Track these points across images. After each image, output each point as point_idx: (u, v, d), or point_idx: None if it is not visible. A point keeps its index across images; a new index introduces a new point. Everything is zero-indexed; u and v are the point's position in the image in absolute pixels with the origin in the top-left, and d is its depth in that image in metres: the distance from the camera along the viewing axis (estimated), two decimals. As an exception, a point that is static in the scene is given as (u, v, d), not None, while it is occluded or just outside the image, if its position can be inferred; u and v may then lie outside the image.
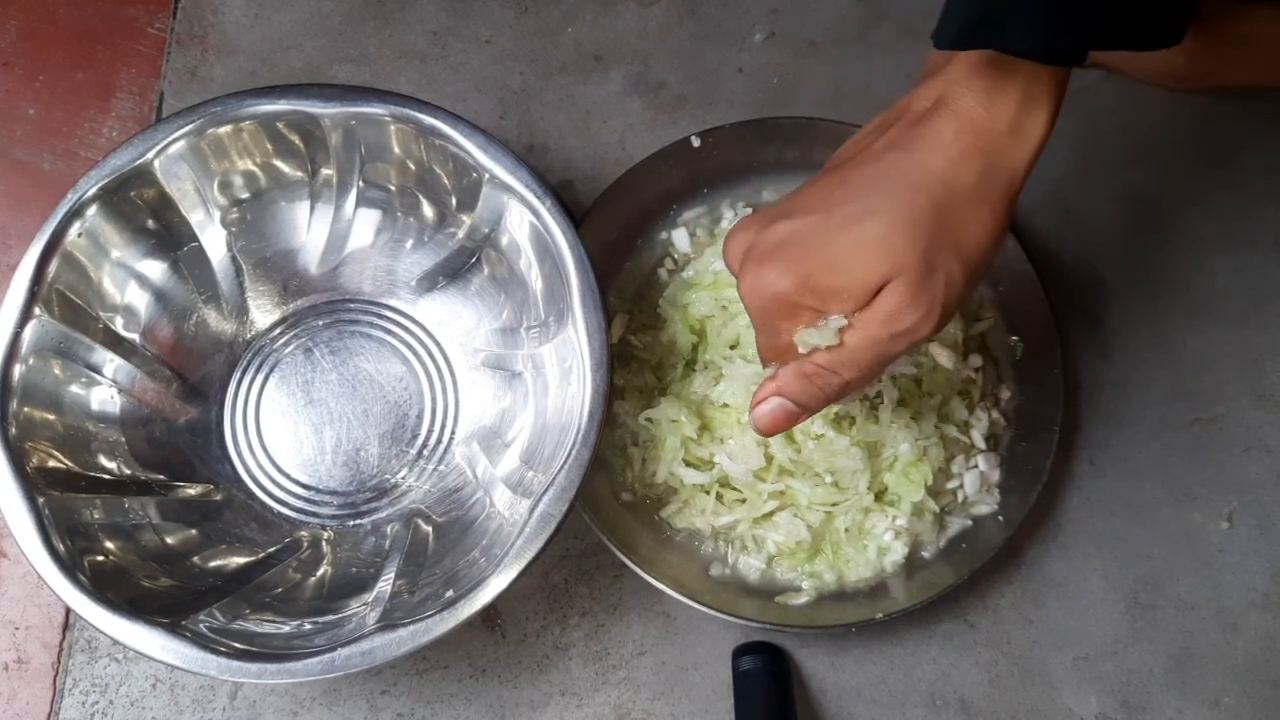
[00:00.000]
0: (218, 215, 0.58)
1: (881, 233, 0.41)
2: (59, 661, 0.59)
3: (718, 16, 0.71)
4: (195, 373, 0.60)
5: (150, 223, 0.57)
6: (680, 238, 0.64)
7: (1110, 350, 0.65)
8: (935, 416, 0.59)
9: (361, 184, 0.59)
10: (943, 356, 0.59)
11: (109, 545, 0.52)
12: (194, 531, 0.56)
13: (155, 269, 0.58)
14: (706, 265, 0.62)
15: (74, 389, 0.55)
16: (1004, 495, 0.60)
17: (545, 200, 0.53)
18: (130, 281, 0.57)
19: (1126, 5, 0.41)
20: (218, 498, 0.58)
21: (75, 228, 0.53)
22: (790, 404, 0.45)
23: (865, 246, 0.41)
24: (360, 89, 0.55)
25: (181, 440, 0.59)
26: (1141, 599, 0.61)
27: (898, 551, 0.58)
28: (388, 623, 0.48)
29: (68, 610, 0.60)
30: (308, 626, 0.51)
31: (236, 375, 0.61)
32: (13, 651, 0.59)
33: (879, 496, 0.58)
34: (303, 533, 0.58)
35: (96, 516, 0.52)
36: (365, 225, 0.60)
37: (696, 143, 0.63)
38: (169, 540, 0.55)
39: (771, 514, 0.58)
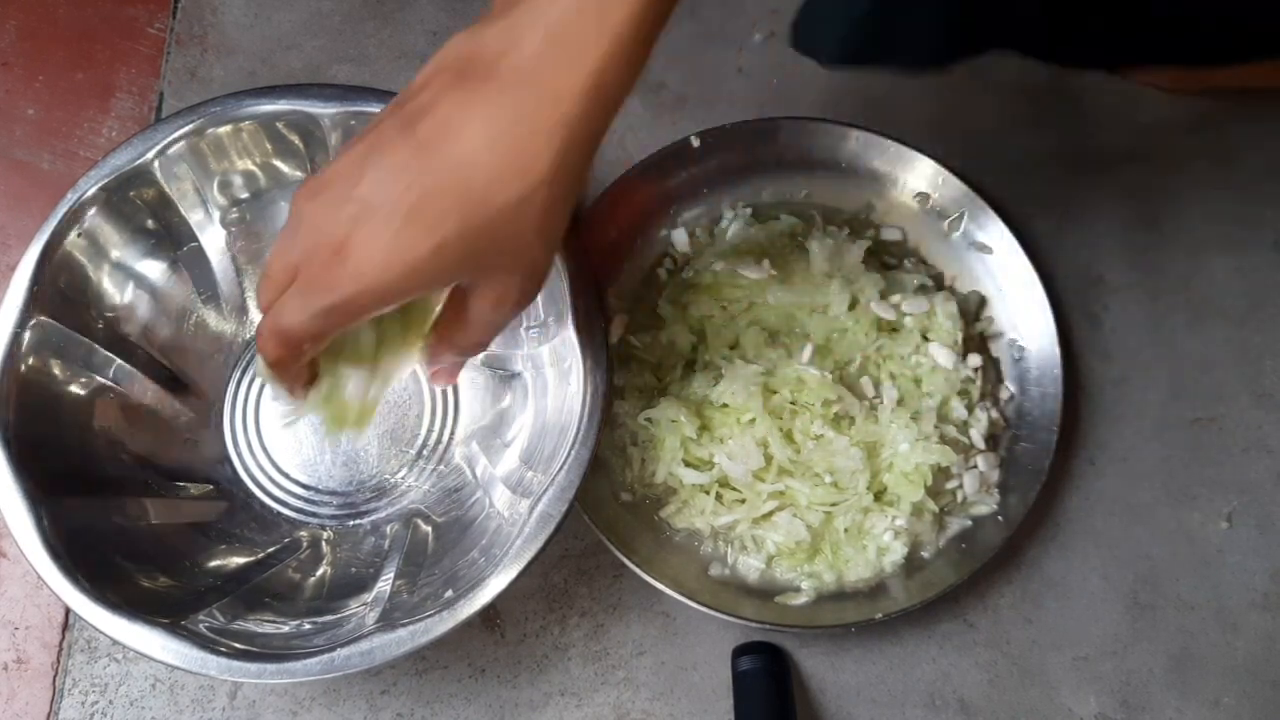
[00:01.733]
0: (217, 215, 0.58)
1: None
2: (58, 661, 0.59)
3: (717, 17, 0.71)
4: (195, 373, 0.60)
5: (150, 223, 0.57)
6: (680, 238, 0.64)
7: (1110, 350, 0.65)
8: (935, 416, 0.59)
9: (361, 184, 0.59)
10: (942, 356, 0.59)
11: (109, 545, 0.52)
12: (193, 531, 0.56)
13: (155, 269, 0.58)
14: (706, 265, 0.62)
15: (74, 389, 0.55)
16: (1004, 495, 0.60)
17: (545, 200, 0.53)
18: (130, 281, 0.57)
19: None
20: (217, 498, 0.58)
21: (75, 228, 0.53)
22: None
23: None
24: (360, 89, 0.55)
25: (181, 440, 0.59)
26: (1141, 599, 0.61)
27: (897, 551, 0.58)
28: (387, 623, 0.48)
29: (67, 610, 0.60)
30: (307, 626, 0.51)
31: (236, 375, 0.61)
32: (12, 651, 0.59)
33: (878, 497, 0.58)
34: (302, 533, 0.58)
35: (96, 517, 0.52)
36: (365, 225, 0.60)
37: (696, 143, 0.63)
38: (168, 540, 0.55)
39: (771, 514, 0.58)
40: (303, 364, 0.43)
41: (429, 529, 0.57)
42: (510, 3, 0.39)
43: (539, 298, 0.56)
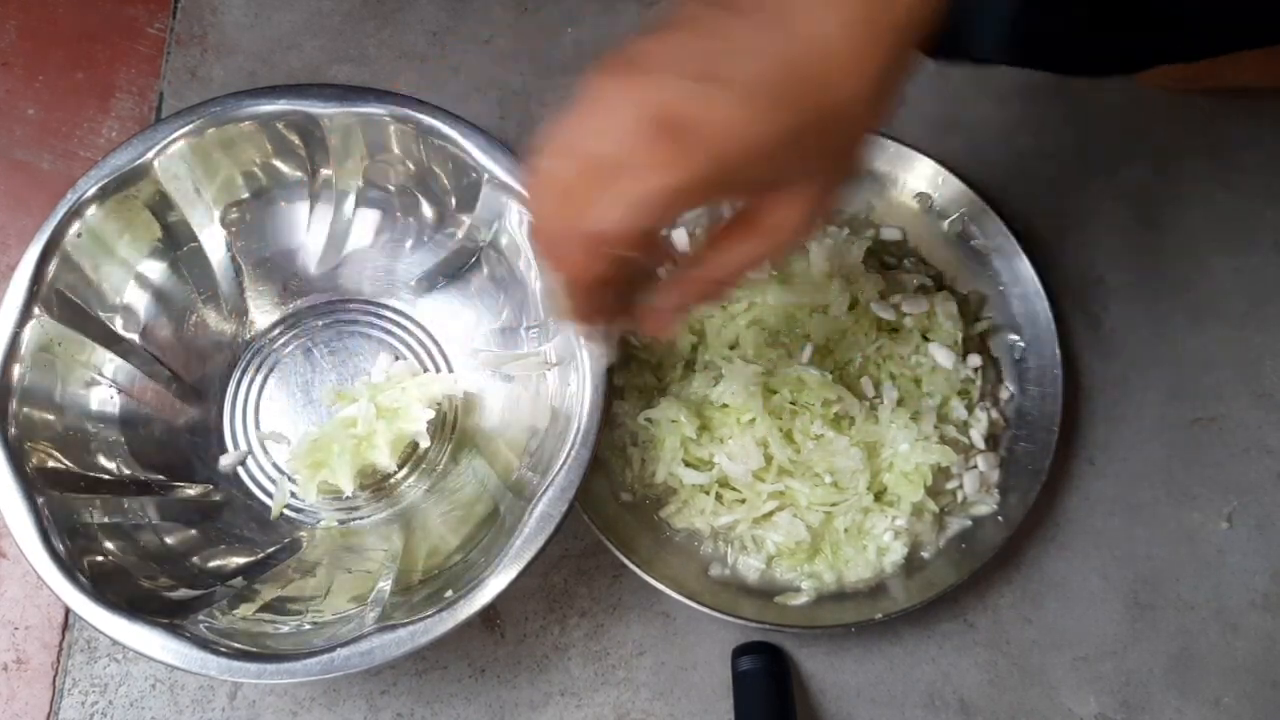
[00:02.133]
0: (217, 215, 0.58)
1: None
2: (58, 662, 0.59)
3: (717, 16, 0.71)
4: (195, 373, 0.60)
5: (150, 223, 0.57)
6: (679, 237, 0.64)
7: (1110, 350, 0.65)
8: (935, 416, 0.59)
9: (361, 184, 0.59)
10: (942, 356, 0.59)
11: (108, 545, 0.52)
12: (193, 532, 0.56)
13: (155, 269, 0.58)
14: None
15: (73, 389, 0.55)
16: (1003, 495, 0.60)
17: (545, 200, 0.53)
18: (130, 281, 0.57)
19: None
20: (217, 498, 0.58)
21: (75, 228, 0.53)
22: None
23: None
24: (360, 89, 0.55)
25: (181, 440, 0.59)
26: (1141, 599, 0.61)
27: (897, 552, 0.58)
28: (387, 623, 0.48)
29: (67, 610, 0.60)
30: (307, 626, 0.51)
31: (236, 375, 0.61)
32: (12, 652, 0.59)
33: (878, 497, 0.58)
34: (302, 533, 0.58)
35: (96, 516, 0.52)
36: (365, 225, 0.60)
37: (696, 143, 0.63)
38: (168, 540, 0.55)
39: (771, 514, 0.58)
40: (605, 279, 0.37)
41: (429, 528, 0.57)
42: None
43: (539, 298, 0.56)
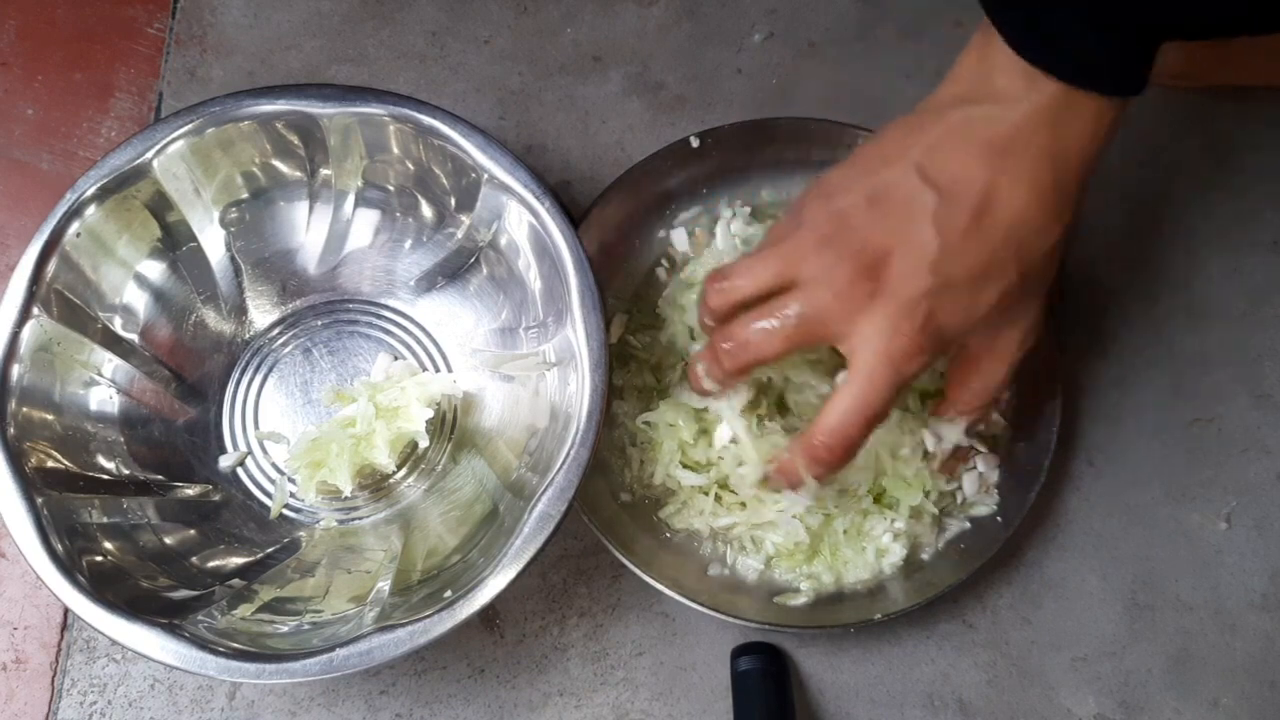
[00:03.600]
0: (216, 215, 0.58)
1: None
2: (57, 662, 0.59)
3: (716, 17, 0.71)
4: (194, 373, 0.60)
5: (149, 223, 0.57)
6: (679, 238, 0.64)
7: (1109, 350, 0.65)
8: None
9: (360, 184, 0.59)
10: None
11: (107, 545, 0.52)
12: (192, 532, 0.56)
13: (154, 269, 0.58)
14: (705, 265, 0.62)
15: (72, 389, 0.55)
16: (1002, 496, 0.60)
17: (544, 200, 0.53)
18: (129, 281, 0.57)
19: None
20: (216, 498, 0.58)
21: (74, 227, 0.53)
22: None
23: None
24: (359, 89, 0.55)
25: (180, 440, 0.59)
26: (1140, 599, 0.61)
27: (896, 553, 0.58)
28: (386, 623, 0.48)
29: (66, 610, 0.60)
30: (306, 627, 0.51)
31: (235, 375, 0.61)
32: (11, 652, 0.59)
33: (877, 499, 0.58)
34: (301, 533, 0.58)
35: (95, 517, 0.52)
36: (364, 225, 0.60)
37: (695, 143, 0.63)
38: (167, 540, 0.55)
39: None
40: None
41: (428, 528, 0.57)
42: (978, 82, 0.44)
43: (538, 298, 0.56)
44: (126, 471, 0.56)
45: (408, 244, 0.61)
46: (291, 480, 0.58)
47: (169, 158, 0.55)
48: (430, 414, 0.56)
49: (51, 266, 0.53)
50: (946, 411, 0.53)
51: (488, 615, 0.60)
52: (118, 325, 0.57)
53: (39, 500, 0.49)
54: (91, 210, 0.54)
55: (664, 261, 0.64)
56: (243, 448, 0.60)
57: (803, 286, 0.45)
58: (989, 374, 0.50)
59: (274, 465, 0.60)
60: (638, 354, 0.62)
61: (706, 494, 0.58)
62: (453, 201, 0.58)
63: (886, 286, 0.44)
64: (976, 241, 0.43)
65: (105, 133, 0.68)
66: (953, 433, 0.54)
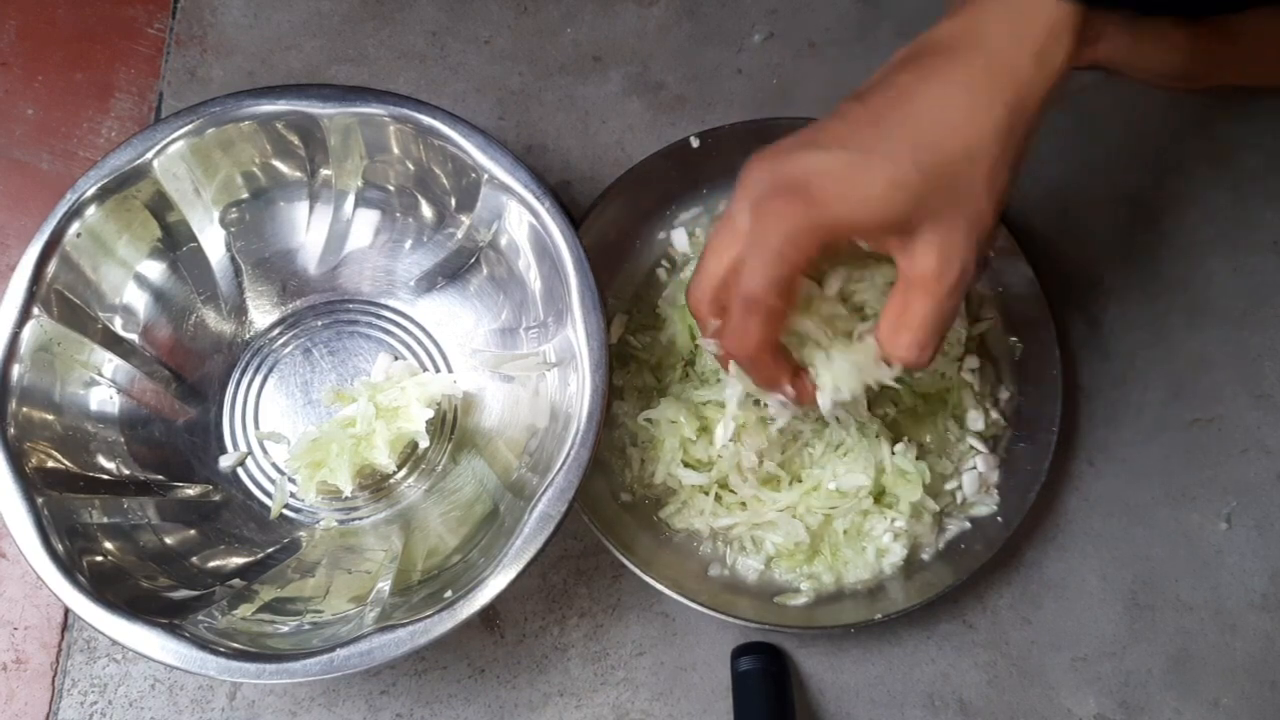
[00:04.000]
0: (216, 215, 0.58)
1: (902, 175, 0.41)
2: (57, 662, 0.59)
3: (717, 17, 0.71)
4: (194, 373, 0.60)
5: (149, 223, 0.57)
6: (679, 238, 0.64)
7: (1109, 350, 0.65)
8: (934, 417, 0.59)
9: (360, 184, 0.59)
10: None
11: (108, 545, 0.52)
12: (193, 532, 0.56)
13: (154, 269, 0.58)
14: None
15: (73, 389, 0.55)
16: (1003, 496, 0.60)
17: (544, 201, 0.53)
18: (129, 281, 0.57)
19: None
20: (216, 498, 0.58)
21: (74, 228, 0.53)
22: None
23: (890, 186, 0.42)
24: (359, 89, 0.55)
25: (180, 440, 0.59)
26: (1140, 600, 0.61)
27: (896, 553, 0.58)
28: (386, 623, 0.48)
29: (66, 610, 0.60)
30: (306, 627, 0.51)
31: (235, 375, 0.61)
32: (11, 652, 0.59)
33: (878, 498, 0.58)
34: (301, 533, 0.58)
35: (95, 517, 0.52)
36: (364, 225, 0.60)
37: (695, 143, 0.63)
38: (168, 540, 0.55)
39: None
40: (775, 337, 0.45)
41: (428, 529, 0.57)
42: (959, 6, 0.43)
43: (538, 298, 0.56)
44: (127, 471, 0.56)
45: (408, 244, 0.61)
46: (292, 480, 0.58)
47: (169, 158, 0.55)
48: (430, 414, 0.56)
49: (52, 266, 0.53)
50: (881, 354, 0.48)
51: (488, 615, 0.60)
52: (118, 325, 0.57)
53: (39, 500, 0.49)
54: (92, 210, 0.54)
55: (664, 262, 0.64)
56: (243, 448, 0.60)
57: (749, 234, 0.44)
58: (914, 311, 0.44)
59: (274, 465, 0.60)
60: (638, 354, 0.62)
61: (707, 494, 0.58)
62: (453, 202, 0.58)
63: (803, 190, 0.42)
64: (867, 125, 0.42)
65: (105, 133, 0.68)
66: (888, 375, 0.48)
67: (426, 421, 0.56)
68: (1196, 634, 0.61)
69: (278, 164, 0.58)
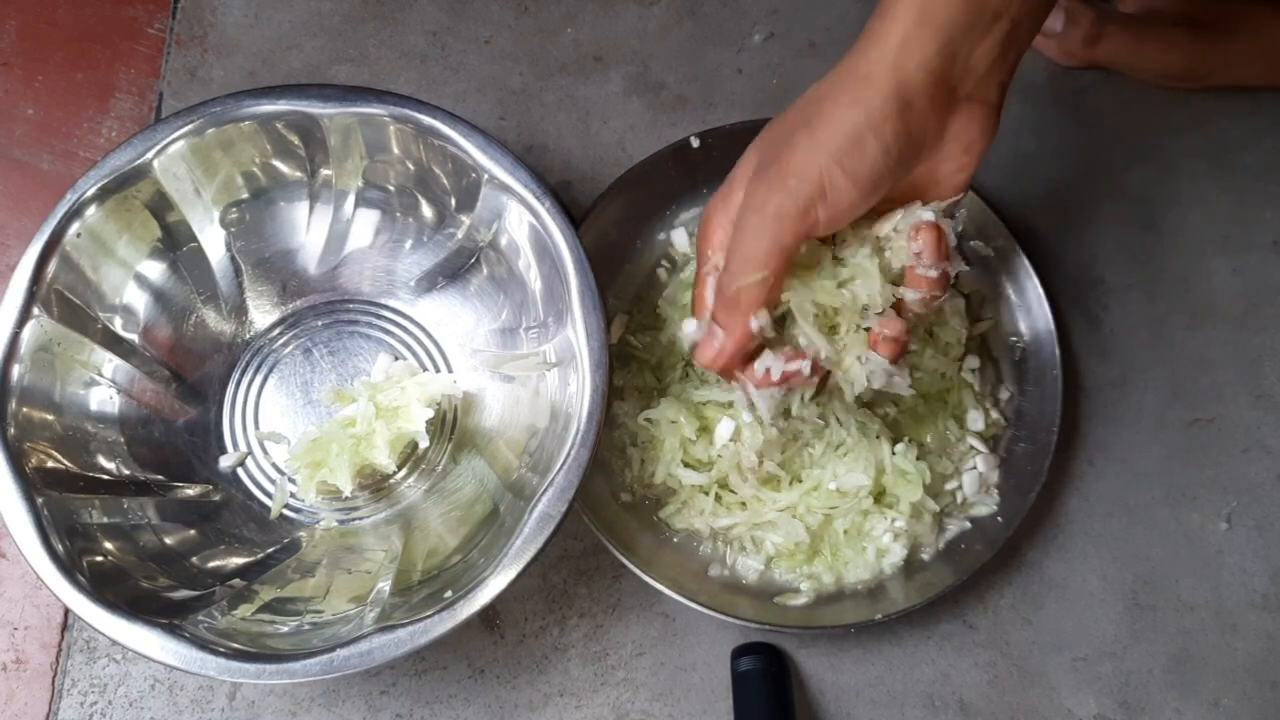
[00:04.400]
0: (217, 215, 0.58)
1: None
2: (57, 662, 0.59)
3: (717, 17, 0.71)
4: (194, 373, 0.60)
5: (149, 223, 0.57)
6: (679, 238, 0.64)
7: (1109, 351, 0.65)
8: (935, 417, 0.59)
9: (361, 184, 0.59)
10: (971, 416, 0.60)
11: (108, 546, 0.52)
12: (193, 532, 0.56)
13: (154, 269, 0.58)
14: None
15: (73, 389, 0.55)
16: (1003, 496, 0.60)
17: (544, 200, 0.53)
18: (129, 281, 0.57)
19: None
20: (216, 498, 0.58)
21: (74, 228, 0.53)
22: (713, 326, 0.47)
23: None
24: (359, 89, 0.55)
25: (180, 440, 0.59)
26: (1140, 600, 0.61)
27: (896, 553, 0.58)
28: (386, 623, 0.48)
29: (66, 611, 0.60)
30: (306, 627, 0.51)
31: (235, 375, 0.61)
32: (11, 652, 0.59)
33: (878, 498, 0.58)
34: (301, 533, 0.58)
35: (95, 517, 0.52)
36: (364, 225, 0.60)
37: (696, 143, 0.63)
38: (168, 541, 0.55)
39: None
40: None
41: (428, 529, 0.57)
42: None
43: (539, 298, 0.56)
44: (127, 472, 0.56)
45: (408, 244, 0.61)
46: (292, 480, 0.58)
47: (169, 158, 0.55)
48: (430, 414, 0.56)
49: (52, 267, 0.53)
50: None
51: (488, 615, 0.60)
52: (118, 325, 0.57)
53: (39, 500, 0.49)
54: (92, 210, 0.54)
55: (665, 262, 0.64)
56: (243, 448, 0.60)
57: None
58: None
59: (274, 465, 0.60)
60: (638, 354, 0.62)
61: (707, 494, 0.58)
62: (453, 202, 0.58)
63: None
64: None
65: (106, 133, 0.68)
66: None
67: (426, 421, 0.56)
68: (1197, 634, 0.61)
69: (278, 164, 0.58)
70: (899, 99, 0.42)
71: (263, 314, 0.61)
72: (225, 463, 0.59)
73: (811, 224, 0.43)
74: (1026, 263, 0.62)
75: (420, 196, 0.59)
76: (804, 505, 0.57)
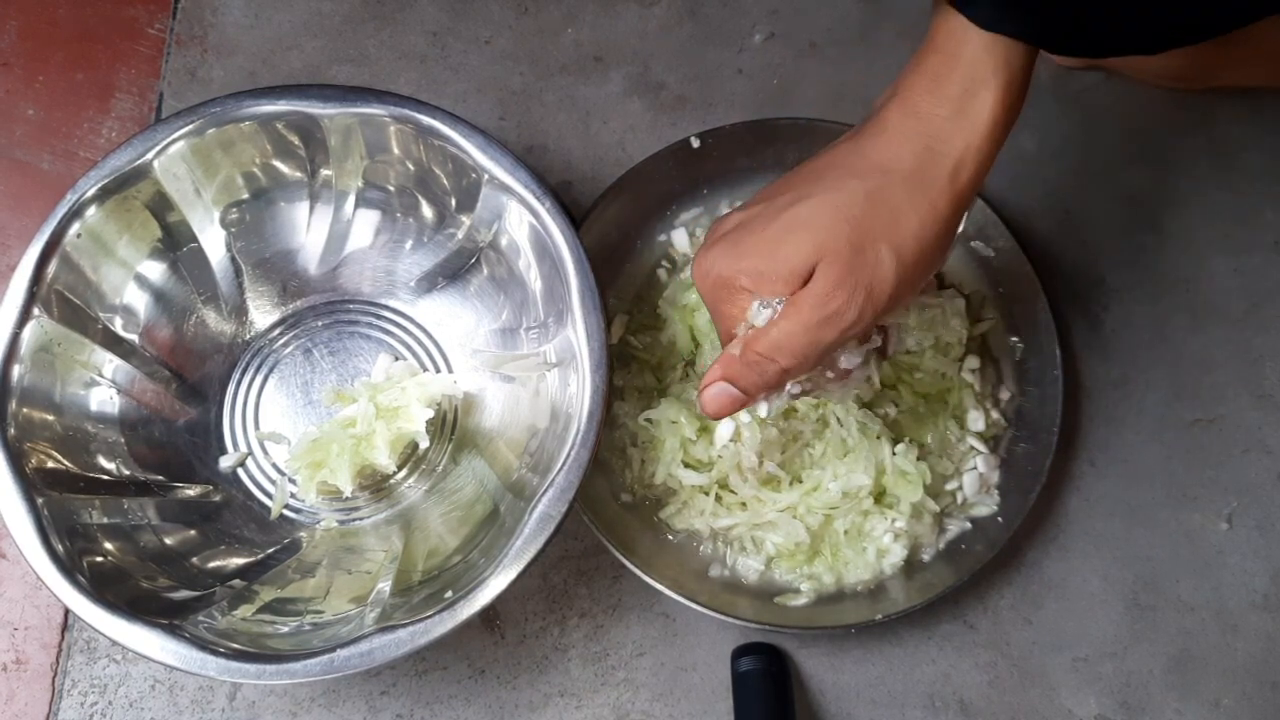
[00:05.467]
0: (217, 216, 0.58)
1: (808, 216, 0.42)
2: (58, 662, 0.59)
3: (718, 17, 0.71)
4: (194, 373, 0.60)
5: (149, 223, 0.57)
6: (680, 238, 0.64)
7: (1110, 351, 0.65)
8: (935, 417, 0.59)
9: (361, 184, 0.59)
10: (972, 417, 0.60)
11: (108, 546, 0.52)
12: (193, 532, 0.56)
13: (154, 269, 0.58)
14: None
15: (73, 390, 0.55)
16: (1003, 496, 0.60)
17: (544, 201, 0.53)
18: (129, 282, 0.57)
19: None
20: (216, 498, 0.58)
21: (74, 228, 0.53)
22: (733, 389, 0.45)
23: (794, 230, 0.42)
24: (359, 89, 0.55)
25: (180, 441, 0.59)
26: (1141, 600, 0.61)
27: (896, 553, 0.58)
28: (387, 624, 0.48)
29: (66, 611, 0.60)
30: (307, 627, 0.51)
31: (236, 376, 0.61)
32: (11, 652, 0.59)
33: (878, 499, 0.58)
34: (301, 533, 0.58)
35: (95, 517, 0.52)
36: (364, 226, 0.60)
37: (696, 143, 0.63)
38: (168, 541, 0.55)
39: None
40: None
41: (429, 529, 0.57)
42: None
43: (539, 298, 0.56)
44: (127, 472, 0.56)
45: (408, 244, 0.61)
46: (292, 481, 0.58)
47: (170, 158, 0.55)
48: (430, 414, 0.56)
49: (52, 267, 0.53)
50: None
51: (488, 616, 0.60)
52: (118, 326, 0.57)
53: (39, 501, 0.49)
54: (92, 211, 0.54)
55: (665, 262, 0.64)
56: (243, 448, 0.60)
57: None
58: (778, 324, 0.46)
59: (274, 466, 0.60)
60: (638, 355, 0.62)
61: (707, 494, 0.58)
62: (453, 202, 0.58)
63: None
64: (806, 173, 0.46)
65: (106, 133, 0.68)
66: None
67: (426, 422, 0.56)
68: (1197, 634, 0.61)
69: (278, 164, 0.58)
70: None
71: (263, 314, 0.61)
72: (225, 463, 0.59)
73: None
74: (1027, 263, 0.62)
75: (420, 197, 0.59)
76: (804, 505, 0.57)
